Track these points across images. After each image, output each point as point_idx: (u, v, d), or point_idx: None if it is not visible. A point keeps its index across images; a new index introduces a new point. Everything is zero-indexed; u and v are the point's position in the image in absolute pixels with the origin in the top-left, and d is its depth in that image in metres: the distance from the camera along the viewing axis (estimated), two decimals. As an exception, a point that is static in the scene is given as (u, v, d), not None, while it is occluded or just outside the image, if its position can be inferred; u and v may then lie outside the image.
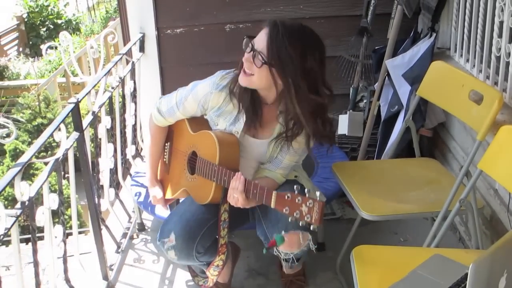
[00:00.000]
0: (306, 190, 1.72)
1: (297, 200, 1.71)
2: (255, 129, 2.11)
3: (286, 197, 1.74)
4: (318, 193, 1.69)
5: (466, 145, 2.74)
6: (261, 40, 1.92)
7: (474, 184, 1.98)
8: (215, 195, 2.08)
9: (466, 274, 1.51)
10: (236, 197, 1.91)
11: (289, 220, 1.79)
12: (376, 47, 3.22)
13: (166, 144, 2.38)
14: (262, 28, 1.95)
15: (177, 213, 2.19)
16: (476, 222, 2.08)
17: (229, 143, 2.09)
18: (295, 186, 1.75)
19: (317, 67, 1.96)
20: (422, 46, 2.93)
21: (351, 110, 3.27)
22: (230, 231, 2.15)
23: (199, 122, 2.22)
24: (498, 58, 2.39)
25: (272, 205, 1.79)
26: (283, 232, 1.90)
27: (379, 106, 3.14)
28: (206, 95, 2.09)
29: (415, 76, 2.81)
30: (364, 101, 3.31)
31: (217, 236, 2.12)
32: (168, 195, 2.35)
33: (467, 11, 2.71)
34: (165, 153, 2.38)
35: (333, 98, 2.04)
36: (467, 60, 2.75)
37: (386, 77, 3.08)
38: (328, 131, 2.06)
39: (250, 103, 2.05)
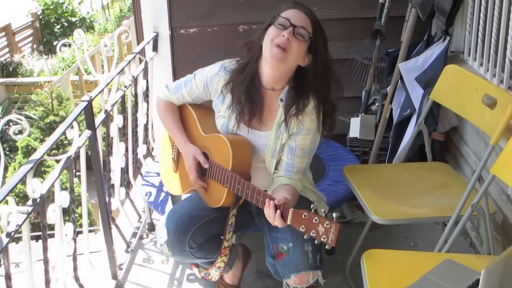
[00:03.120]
0: (323, 210, 1.71)
1: (314, 220, 1.70)
2: (255, 120, 2.10)
3: (303, 215, 1.73)
4: (334, 215, 1.69)
5: (478, 150, 2.72)
6: (299, 17, 1.94)
7: (486, 189, 1.97)
8: (226, 200, 2.07)
9: (478, 280, 1.51)
10: (276, 224, 1.83)
11: (301, 259, 1.91)
12: (389, 50, 3.20)
13: (175, 143, 2.37)
14: (280, 12, 1.96)
15: (173, 210, 2.22)
16: (488, 227, 2.07)
17: (242, 147, 2.09)
18: (311, 206, 1.75)
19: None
20: (435, 50, 2.91)
21: (363, 113, 3.25)
22: (236, 232, 2.16)
23: (210, 123, 2.21)
24: (512, 63, 2.37)
25: (288, 222, 1.77)
26: (294, 274, 1.97)
27: (391, 110, 3.12)
28: (213, 76, 2.12)
29: (428, 80, 2.79)
30: (376, 104, 3.29)
31: (221, 237, 2.13)
32: (177, 192, 2.35)
33: (481, 15, 2.69)
34: (174, 150, 2.38)
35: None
36: (481, 64, 2.73)
37: (399, 81, 3.06)
38: (333, 113, 2.09)
39: (249, 95, 2.06)
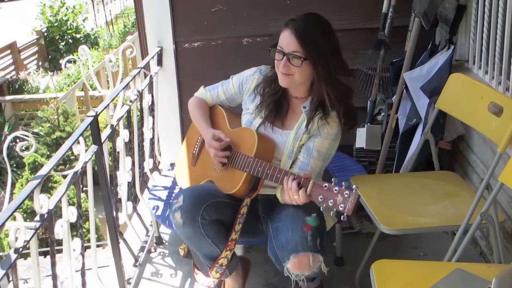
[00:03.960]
0: (343, 182, 1.81)
1: (334, 190, 1.80)
2: (278, 120, 2.24)
3: (323, 186, 1.82)
4: (354, 186, 1.78)
5: (486, 158, 2.71)
6: (288, 42, 2.05)
7: (495, 197, 1.96)
8: (242, 187, 2.15)
9: (489, 289, 1.49)
10: (296, 199, 1.93)
11: (300, 241, 1.94)
12: (393, 60, 3.20)
13: (199, 138, 2.43)
14: (279, 33, 2.10)
15: (190, 186, 2.34)
16: (497, 236, 2.05)
17: (267, 139, 2.20)
18: (332, 179, 1.84)
19: (338, 44, 2.14)
20: (440, 59, 2.91)
21: (368, 124, 3.25)
22: (241, 240, 2.21)
23: (237, 122, 2.33)
24: (518, 70, 2.37)
25: (308, 192, 1.86)
26: (293, 255, 1.98)
27: (397, 119, 3.12)
28: (248, 76, 2.31)
29: (433, 89, 2.79)
30: (382, 114, 3.29)
31: (232, 226, 2.17)
32: (192, 183, 2.40)
33: (485, 23, 2.69)
34: (196, 146, 2.44)
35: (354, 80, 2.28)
36: (486, 72, 2.73)
37: (404, 90, 3.06)
38: (352, 113, 2.18)
39: (278, 101, 2.21)
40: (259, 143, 2.14)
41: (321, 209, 1.84)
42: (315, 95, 2.14)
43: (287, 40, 2.05)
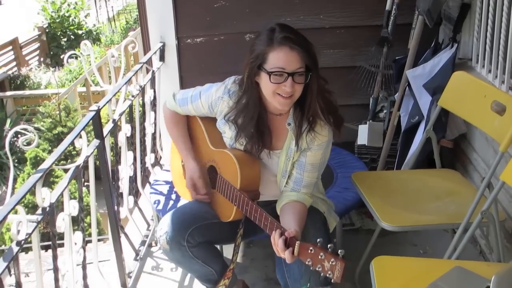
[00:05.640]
0: (329, 246, 1.68)
1: (319, 256, 1.67)
2: (264, 144, 2.07)
3: (309, 250, 1.70)
4: (339, 252, 1.66)
5: (487, 157, 2.71)
6: (290, 60, 1.87)
7: (496, 196, 1.96)
8: (236, 216, 2.08)
9: (488, 287, 1.49)
10: (283, 256, 1.80)
11: (311, 277, 1.84)
12: (396, 57, 3.20)
13: None
14: (270, 52, 1.89)
15: (177, 208, 2.25)
16: (498, 234, 2.05)
17: (250, 165, 2.07)
18: (318, 240, 1.70)
19: None
20: (443, 57, 2.91)
21: (371, 121, 3.25)
22: (244, 240, 2.17)
23: (218, 136, 2.19)
24: (520, 69, 2.37)
25: (295, 254, 1.74)
26: None
27: (399, 117, 3.12)
28: (217, 99, 2.09)
29: (436, 87, 2.79)
30: (384, 111, 3.29)
31: (217, 246, 2.16)
32: (188, 198, 2.35)
33: (489, 22, 2.69)
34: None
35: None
36: (489, 71, 2.73)
37: (407, 88, 3.06)
38: (336, 109, 2.04)
39: (256, 128, 2.03)
40: (242, 174, 2.02)
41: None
42: (307, 107, 1.97)
43: (288, 58, 1.86)
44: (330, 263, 1.65)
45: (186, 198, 2.37)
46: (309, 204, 2.07)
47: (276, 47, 1.88)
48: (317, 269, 1.68)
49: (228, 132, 2.12)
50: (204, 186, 2.20)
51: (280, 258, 2.05)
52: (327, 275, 1.67)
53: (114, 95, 2.50)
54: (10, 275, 1.69)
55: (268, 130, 2.06)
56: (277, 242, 1.77)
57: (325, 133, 2.01)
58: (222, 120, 2.11)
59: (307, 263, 1.71)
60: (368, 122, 3.24)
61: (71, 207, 2.03)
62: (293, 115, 2.00)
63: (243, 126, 2.04)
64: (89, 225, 2.65)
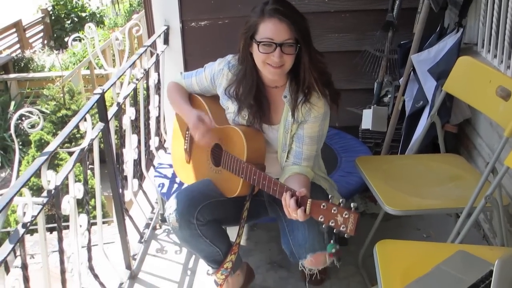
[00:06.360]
0: (340, 200, 1.71)
1: (333, 210, 1.70)
2: (264, 117, 2.14)
3: (321, 206, 1.73)
4: (352, 205, 1.68)
5: (492, 142, 2.71)
6: (278, 31, 1.93)
7: (500, 180, 1.96)
8: (242, 190, 2.10)
9: (491, 271, 1.50)
10: (295, 216, 1.83)
11: (317, 240, 1.91)
12: (401, 42, 3.19)
13: (187, 132, 2.39)
14: (254, 25, 1.97)
15: (185, 187, 2.29)
16: (501, 219, 2.06)
17: (256, 138, 2.12)
18: (329, 196, 1.76)
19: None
20: (448, 41, 2.90)
21: (375, 105, 3.24)
22: (248, 222, 2.20)
23: (221, 115, 2.23)
24: (526, 54, 2.36)
25: (307, 212, 1.77)
26: (310, 254, 1.98)
27: (404, 101, 3.11)
28: (218, 71, 2.18)
29: (441, 71, 2.78)
30: (389, 96, 3.28)
31: (223, 227, 2.18)
32: (191, 182, 2.37)
33: (495, 6, 2.67)
34: (186, 141, 2.40)
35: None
36: (495, 56, 2.72)
37: (412, 72, 3.05)
38: (331, 83, 2.09)
39: (256, 99, 2.10)
40: (248, 147, 2.06)
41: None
42: (302, 80, 2.02)
43: (277, 29, 1.92)
44: (344, 216, 1.68)
45: (189, 183, 2.39)
46: (311, 177, 2.12)
47: (266, 18, 1.95)
48: (330, 224, 1.71)
49: (231, 107, 2.17)
50: (211, 119, 2.16)
51: (284, 228, 2.09)
52: (341, 229, 1.69)
53: (119, 78, 2.50)
54: (16, 256, 1.70)
55: (267, 102, 2.13)
56: (288, 202, 1.82)
57: (320, 105, 2.05)
58: (225, 96, 2.17)
59: (319, 219, 1.74)
60: (372, 107, 3.23)
61: (76, 190, 2.04)
62: (289, 88, 2.07)
63: (243, 97, 2.11)
64: (94, 207, 2.66)
